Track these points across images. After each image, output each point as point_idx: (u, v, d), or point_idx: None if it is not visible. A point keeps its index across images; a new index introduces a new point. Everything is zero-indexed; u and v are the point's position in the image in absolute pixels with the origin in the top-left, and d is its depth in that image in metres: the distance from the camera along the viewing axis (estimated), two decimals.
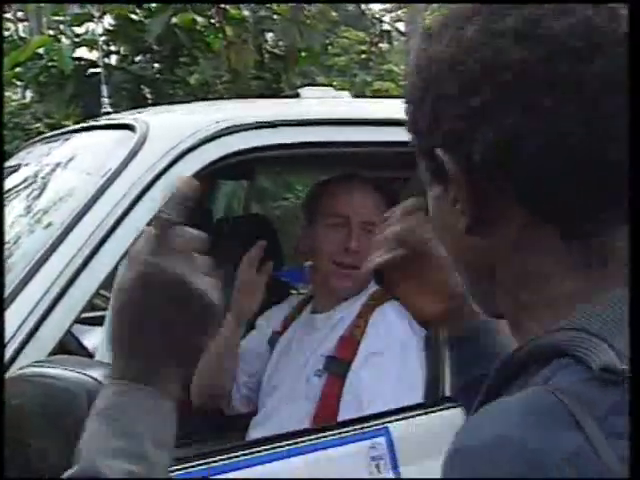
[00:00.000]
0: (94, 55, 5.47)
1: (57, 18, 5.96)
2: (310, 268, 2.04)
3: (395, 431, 1.67)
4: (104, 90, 3.26)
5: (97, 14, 5.24)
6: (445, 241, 0.75)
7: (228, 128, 1.63)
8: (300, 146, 1.73)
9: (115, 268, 1.44)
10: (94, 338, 2.83)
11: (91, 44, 5.48)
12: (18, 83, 6.17)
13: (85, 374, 1.01)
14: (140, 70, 5.53)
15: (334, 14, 7.74)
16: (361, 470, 1.63)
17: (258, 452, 1.56)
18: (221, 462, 1.52)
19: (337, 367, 1.85)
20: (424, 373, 1.83)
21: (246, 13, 5.55)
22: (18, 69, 5.41)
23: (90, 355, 2.59)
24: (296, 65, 5.84)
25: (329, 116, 1.82)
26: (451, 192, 0.69)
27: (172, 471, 1.43)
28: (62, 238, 1.46)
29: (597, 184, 0.64)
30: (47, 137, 2.29)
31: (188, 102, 3.15)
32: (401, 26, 11.12)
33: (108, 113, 3.00)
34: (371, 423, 1.67)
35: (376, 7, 11.28)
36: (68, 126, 3.19)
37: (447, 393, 1.78)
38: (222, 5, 5.38)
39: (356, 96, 2.86)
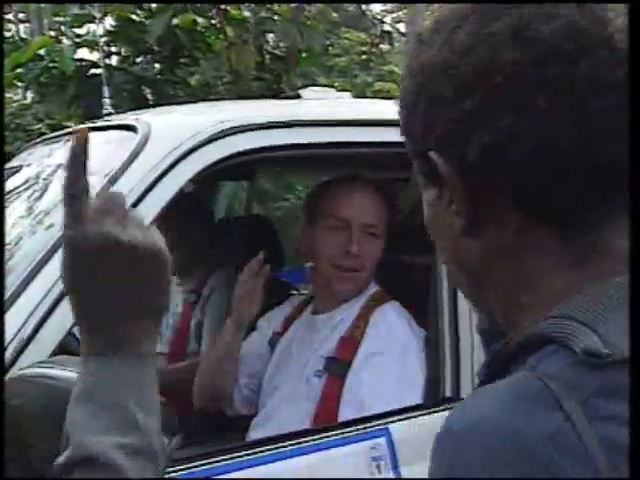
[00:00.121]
0: (95, 56, 5.48)
1: (58, 19, 5.97)
2: (310, 269, 2.04)
3: (396, 432, 1.67)
4: (105, 91, 3.27)
5: (98, 15, 5.25)
6: (441, 243, 0.76)
7: (230, 129, 1.63)
8: (301, 147, 1.73)
9: None
10: None
11: (92, 45, 5.48)
12: (19, 84, 6.17)
13: None
14: (141, 71, 5.53)
15: (335, 15, 7.74)
16: (362, 470, 1.63)
17: (259, 452, 1.56)
18: (223, 462, 1.52)
19: (337, 368, 1.85)
20: (424, 373, 1.83)
21: (247, 14, 5.55)
22: (19, 70, 5.41)
23: None
24: (297, 66, 5.85)
25: (330, 117, 1.82)
26: (446, 195, 0.70)
27: (174, 471, 1.44)
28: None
29: (591, 184, 0.65)
30: (48, 138, 2.29)
31: (189, 103, 3.16)
32: (402, 27, 11.13)
33: (109, 114, 3.00)
34: (372, 424, 1.67)
35: (377, 8, 11.30)
36: (69, 127, 3.19)
37: (447, 393, 1.78)
38: (223, 6, 5.38)
39: (357, 97, 2.86)
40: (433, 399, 1.79)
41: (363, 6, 10.03)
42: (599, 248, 0.66)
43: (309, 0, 5.85)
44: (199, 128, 1.62)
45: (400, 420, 1.70)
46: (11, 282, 1.41)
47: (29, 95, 7.70)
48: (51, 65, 5.34)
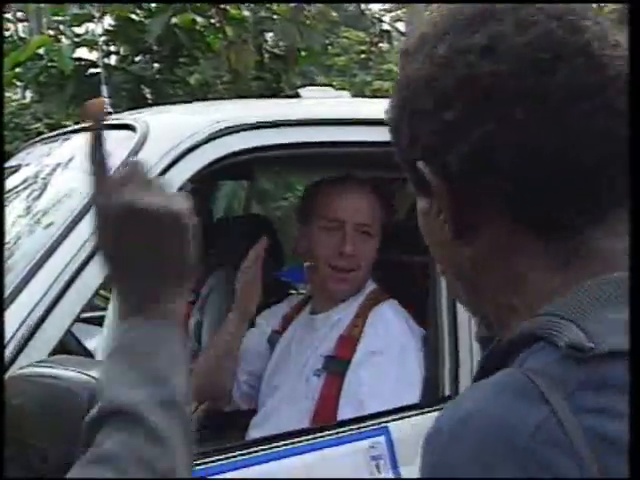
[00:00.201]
0: (94, 55, 5.47)
1: (57, 18, 5.95)
2: (308, 269, 2.04)
3: (395, 431, 1.67)
4: (104, 90, 3.25)
5: (97, 14, 5.24)
6: (435, 252, 0.78)
7: (228, 128, 1.63)
8: (300, 146, 1.73)
9: None
10: (94, 338, 2.83)
11: (91, 44, 5.47)
12: (18, 83, 6.16)
13: (86, 374, 1.01)
14: (140, 70, 5.52)
15: (334, 14, 7.73)
16: (361, 470, 1.63)
17: (257, 452, 1.56)
18: (219, 462, 1.52)
19: (336, 366, 1.85)
20: (422, 372, 1.83)
21: (246, 13, 5.55)
22: (18, 69, 5.40)
23: (90, 355, 2.59)
24: (296, 65, 5.84)
25: (329, 116, 1.82)
26: (435, 203, 0.72)
27: None
28: (62, 238, 1.46)
29: (577, 189, 0.66)
30: (47, 137, 2.29)
31: (188, 102, 3.16)
32: (401, 26, 11.12)
33: (108, 113, 3.00)
34: (371, 423, 1.67)
35: (376, 7, 11.28)
36: (68, 126, 3.19)
37: (446, 392, 1.78)
38: (222, 5, 5.38)
39: (356, 96, 2.86)
40: (432, 398, 1.79)
41: (362, 5, 10.03)
42: (584, 249, 0.68)
43: (309, 0, 5.85)
44: (198, 127, 1.62)
45: (399, 419, 1.70)
46: (10, 281, 1.41)
47: (28, 94, 7.70)
48: (50, 64, 5.33)
